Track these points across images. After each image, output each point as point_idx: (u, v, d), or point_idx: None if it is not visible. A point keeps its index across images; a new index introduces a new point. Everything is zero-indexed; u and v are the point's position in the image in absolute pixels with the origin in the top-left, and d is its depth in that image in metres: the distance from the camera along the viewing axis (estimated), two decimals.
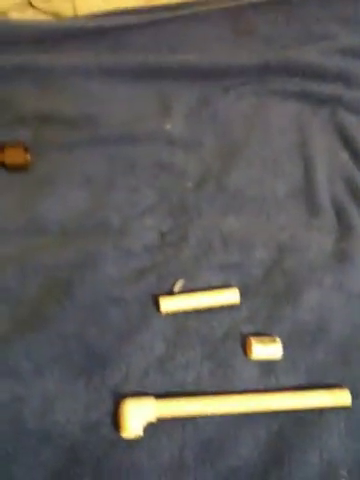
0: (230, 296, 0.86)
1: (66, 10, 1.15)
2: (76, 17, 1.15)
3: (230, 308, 0.85)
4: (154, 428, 0.74)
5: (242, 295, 0.86)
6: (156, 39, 1.14)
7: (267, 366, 0.81)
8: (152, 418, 0.74)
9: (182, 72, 1.10)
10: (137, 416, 0.73)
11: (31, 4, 1.16)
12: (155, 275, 0.87)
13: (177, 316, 0.84)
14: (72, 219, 0.92)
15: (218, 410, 0.76)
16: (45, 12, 1.16)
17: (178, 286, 0.87)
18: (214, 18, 1.18)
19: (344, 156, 1.08)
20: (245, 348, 0.82)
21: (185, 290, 0.87)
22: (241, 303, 0.86)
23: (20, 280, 0.85)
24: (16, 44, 1.08)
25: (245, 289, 0.87)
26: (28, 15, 1.16)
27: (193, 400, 0.76)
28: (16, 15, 1.15)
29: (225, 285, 0.88)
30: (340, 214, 0.98)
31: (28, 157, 0.96)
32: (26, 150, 0.97)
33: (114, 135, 1.02)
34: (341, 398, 0.78)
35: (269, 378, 0.80)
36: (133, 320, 0.83)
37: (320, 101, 1.14)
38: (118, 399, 0.76)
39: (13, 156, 0.95)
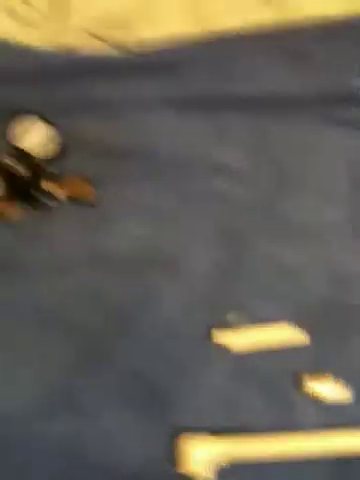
0: (289, 332, 0.85)
1: (126, 39, 1.17)
2: (132, 48, 1.17)
3: (289, 344, 0.85)
4: (214, 466, 0.74)
5: (299, 329, 0.86)
6: (210, 69, 1.15)
7: (326, 404, 0.79)
8: (212, 456, 0.74)
9: (236, 101, 1.11)
10: (197, 454, 0.74)
11: (92, 34, 1.19)
12: (212, 307, 0.88)
13: (235, 350, 0.84)
14: (132, 252, 0.95)
15: (278, 450, 0.76)
16: (106, 41, 1.19)
17: (234, 318, 0.87)
18: (268, 46, 1.19)
19: None
20: (303, 386, 0.81)
21: (242, 323, 0.87)
22: (299, 338, 0.85)
23: (84, 313, 0.88)
24: (81, 77, 1.11)
25: (301, 322, 0.86)
26: (92, 45, 1.18)
27: (252, 439, 0.76)
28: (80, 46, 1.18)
29: (281, 317, 0.87)
30: None
31: (93, 191, 1.00)
32: (89, 183, 1.00)
33: (171, 166, 1.04)
34: None
35: (328, 417, 0.79)
36: (191, 355, 0.84)
37: None
38: (177, 435, 0.77)
39: (79, 190, 0.99)
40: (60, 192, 0.99)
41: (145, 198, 1.00)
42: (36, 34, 1.13)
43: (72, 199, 0.99)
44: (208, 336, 0.86)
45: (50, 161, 1.02)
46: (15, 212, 0.98)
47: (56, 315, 0.88)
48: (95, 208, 0.99)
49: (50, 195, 0.98)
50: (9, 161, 0.95)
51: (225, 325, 0.87)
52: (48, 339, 0.86)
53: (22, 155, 0.97)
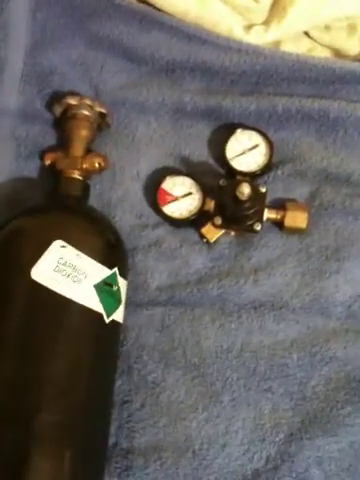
0: None
1: (349, 47, 1.03)
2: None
3: None
4: None
5: None
6: None
7: None
8: None
9: None
10: None
11: (308, 35, 1.06)
12: None
13: None
14: (353, 301, 0.84)
15: None
16: (323, 45, 1.05)
17: None
18: None
19: None
20: None
21: None
22: None
23: (306, 370, 0.79)
24: (294, 83, 0.98)
25: None
26: (303, 47, 1.06)
27: None
28: (290, 46, 1.05)
29: None
30: None
31: (307, 218, 0.88)
32: (304, 209, 0.89)
33: None
34: None
35: None
36: None
37: None
38: None
39: (295, 218, 0.88)
40: (272, 216, 0.88)
41: None
42: (254, 30, 1.01)
43: (284, 227, 0.88)
44: None
45: (256, 177, 0.92)
46: (215, 233, 0.89)
47: (271, 365, 0.79)
48: (311, 241, 0.88)
49: (260, 219, 0.87)
50: (227, 183, 0.86)
51: None
52: (263, 392, 0.78)
53: (241, 178, 0.88)
